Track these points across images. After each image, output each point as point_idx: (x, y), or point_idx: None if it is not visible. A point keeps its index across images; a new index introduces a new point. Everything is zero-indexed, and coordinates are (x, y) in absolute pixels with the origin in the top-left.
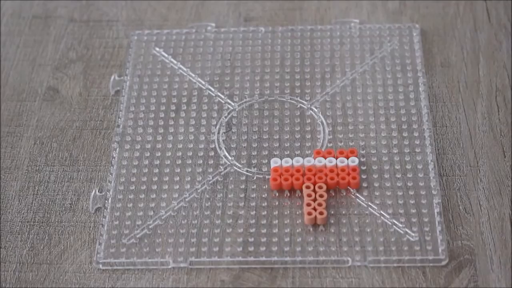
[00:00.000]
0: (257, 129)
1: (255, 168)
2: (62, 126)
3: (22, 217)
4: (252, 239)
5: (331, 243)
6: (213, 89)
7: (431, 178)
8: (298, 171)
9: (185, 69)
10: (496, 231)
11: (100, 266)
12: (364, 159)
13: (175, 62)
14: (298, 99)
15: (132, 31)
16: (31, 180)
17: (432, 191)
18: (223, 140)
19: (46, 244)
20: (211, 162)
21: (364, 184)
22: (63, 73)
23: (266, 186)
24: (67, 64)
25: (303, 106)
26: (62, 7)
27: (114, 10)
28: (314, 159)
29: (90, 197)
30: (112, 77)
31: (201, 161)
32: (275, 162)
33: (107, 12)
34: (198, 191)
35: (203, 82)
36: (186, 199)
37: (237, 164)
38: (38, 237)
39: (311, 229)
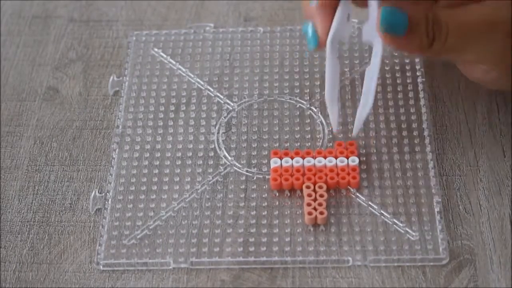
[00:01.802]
0: (256, 129)
1: (255, 168)
2: (62, 126)
3: (22, 217)
4: (253, 239)
5: (332, 243)
6: (212, 90)
7: (431, 177)
8: (298, 171)
9: (184, 69)
10: (496, 231)
11: (101, 267)
12: (364, 158)
13: (173, 62)
14: (298, 99)
15: (132, 31)
16: (31, 180)
17: (432, 190)
18: (222, 140)
19: (46, 244)
20: (211, 162)
21: (364, 184)
22: (63, 73)
23: (266, 186)
24: (67, 64)
25: (303, 106)
26: (62, 7)
27: (114, 10)
28: (314, 158)
29: (90, 198)
30: (111, 78)
31: (201, 162)
32: (275, 162)
33: (107, 12)
34: (198, 191)
35: (202, 83)
36: (186, 200)
37: (237, 164)
38: (38, 237)
39: (311, 229)
